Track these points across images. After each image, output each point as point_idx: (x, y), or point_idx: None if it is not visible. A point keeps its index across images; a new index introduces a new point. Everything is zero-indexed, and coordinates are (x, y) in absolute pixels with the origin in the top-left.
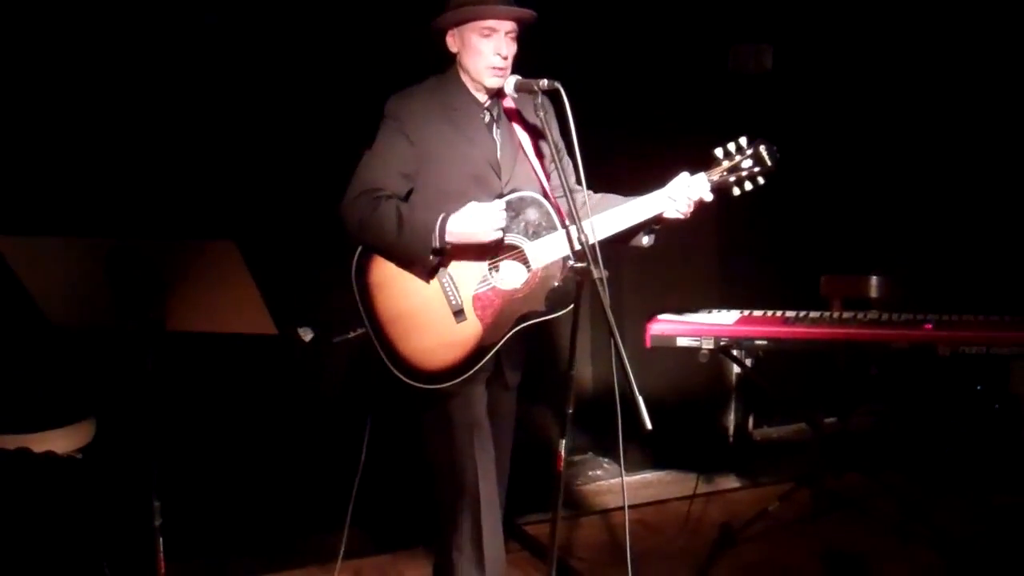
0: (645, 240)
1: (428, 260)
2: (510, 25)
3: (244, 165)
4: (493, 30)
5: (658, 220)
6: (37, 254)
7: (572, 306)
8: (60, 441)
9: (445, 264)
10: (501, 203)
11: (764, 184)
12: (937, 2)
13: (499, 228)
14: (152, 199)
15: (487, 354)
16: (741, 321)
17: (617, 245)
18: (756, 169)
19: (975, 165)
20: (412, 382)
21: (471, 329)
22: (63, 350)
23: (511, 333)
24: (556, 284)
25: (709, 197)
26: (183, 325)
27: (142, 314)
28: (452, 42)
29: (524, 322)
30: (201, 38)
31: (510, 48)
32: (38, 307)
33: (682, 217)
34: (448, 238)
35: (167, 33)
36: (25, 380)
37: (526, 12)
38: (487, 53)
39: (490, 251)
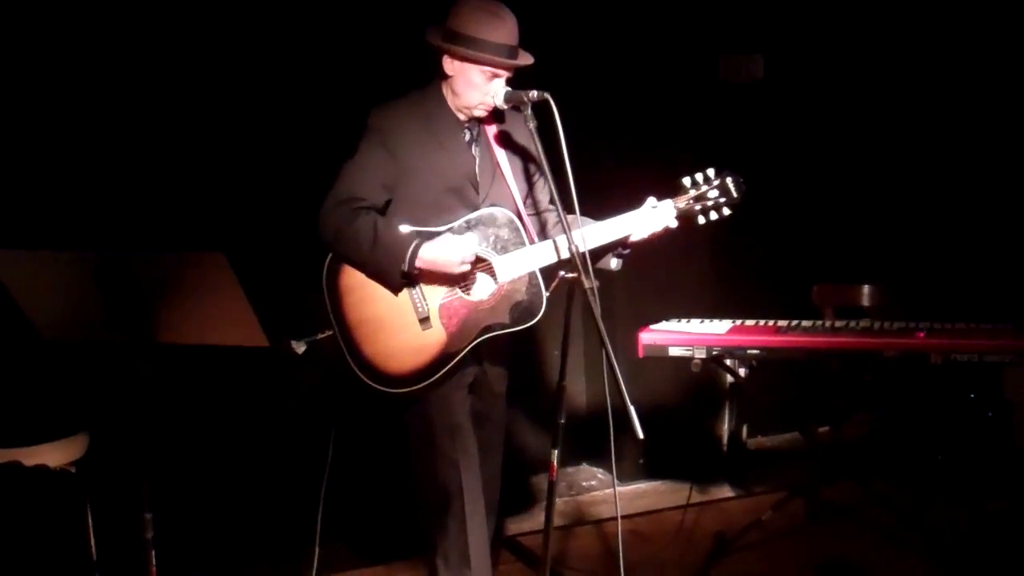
0: (613, 263)
1: (396, 280)
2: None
3: (236, 177)
4: (499, 75)
5: (626, 244)
6: (28, 267)
7: (536, 319)
8: (53, 455)
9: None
10: (475, 238)
11: (729, 215)
12: (927, 13)
13: (468, 263)
14: (142, 212)
15: (450, 361)
16: (733, 330)
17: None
18: (722, 200)
19: (966, 173)
20: (375, 385)
21: (436, 336)
22: (55, 364)
23: (475, 342)
24: (521, 298)
25: (674, 224)
26: (174, 338)
27: (132, 327)
28: (448, 66)
29: (488, 333)
30: (190, 51)
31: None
32: (29, 321)
33: (646, 239)
34: (418, 263)
35: (157, 47)
36: (17, 394)
37: (530, 59)
38: (485, 92)
39: (457, 279)
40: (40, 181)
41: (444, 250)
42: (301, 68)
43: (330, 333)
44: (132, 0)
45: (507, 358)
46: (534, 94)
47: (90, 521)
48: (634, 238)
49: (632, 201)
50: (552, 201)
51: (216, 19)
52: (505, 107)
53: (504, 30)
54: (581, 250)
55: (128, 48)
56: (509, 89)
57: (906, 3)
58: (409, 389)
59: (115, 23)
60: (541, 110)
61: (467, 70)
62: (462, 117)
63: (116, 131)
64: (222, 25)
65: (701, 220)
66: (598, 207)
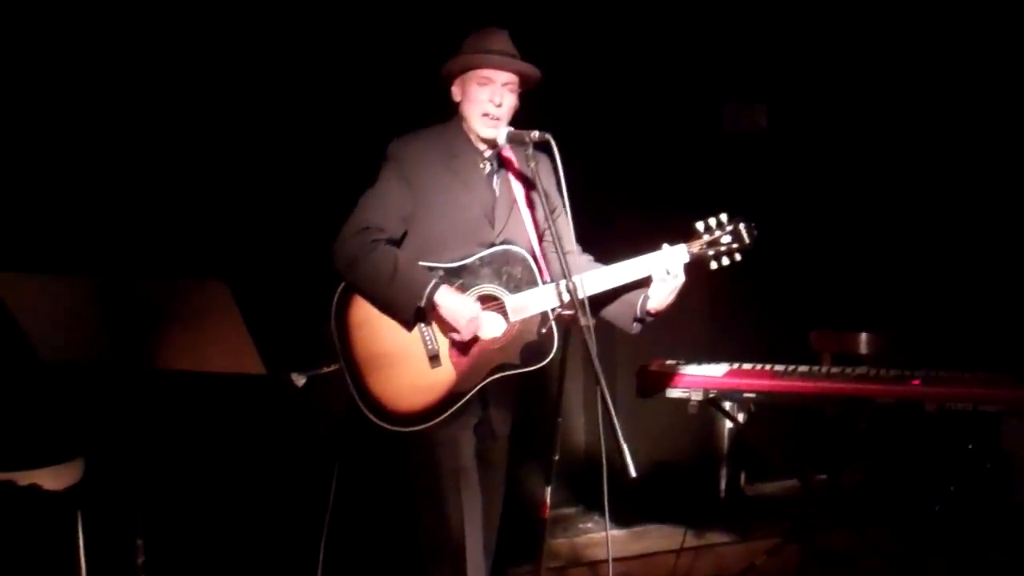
0: (634, 327)
1: (409, 316)
2: (507, 76)
3: (240, 206)
4: (490, 80)
5: (648, 312)
6: (31, 290)
7: (547, 360)
8: (49, 480)
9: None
10: (491, 317)
11: (740, 260)
12: (926, 67)
13: (473, 329)
14: (145, 238)
15: (459, 401)
16: (730, 373)
17: (606, 325)
18: (734, 245)
19: (966, 224)
20: (381, 422)
21: (445, 375)
22: (53, 388)
23: (485, 382)
24: (533, 338)
25: (682, 277)
26: (172, 364)
27: (132, 352)
28: (456, 91)
29: (498, 372)
30: (200, 77)
31: (506, 99)
32: (29, 342)
33: (668, 304)
34: (435, 303)
35: (169, 71)
36: (14, 416)
37: (525, 66)
38: (482, 101)
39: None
40: (46, 205)
41: (460, 309)
42: (313, 96)
43: (335, 367)
44: (138, 20)
45: (513, 401)
46: (535, 134)
47: (81, 544)
48: (653, 304)
49: (634, 248)
50: (557, 241)
51: (228, 42)
52: (507, 146)
53: (494, 39)
54: (593, 288)
55: (137, 73)
56: (511, 129)
57: (906, 57)
58: (416, 428)
59: (125, 44)
60: (545, 152)
61: (467, 85)
62: (482, 147)
63: (123, 155)
64: (234, 49)
65: (713, 265)
66: (601, 253)
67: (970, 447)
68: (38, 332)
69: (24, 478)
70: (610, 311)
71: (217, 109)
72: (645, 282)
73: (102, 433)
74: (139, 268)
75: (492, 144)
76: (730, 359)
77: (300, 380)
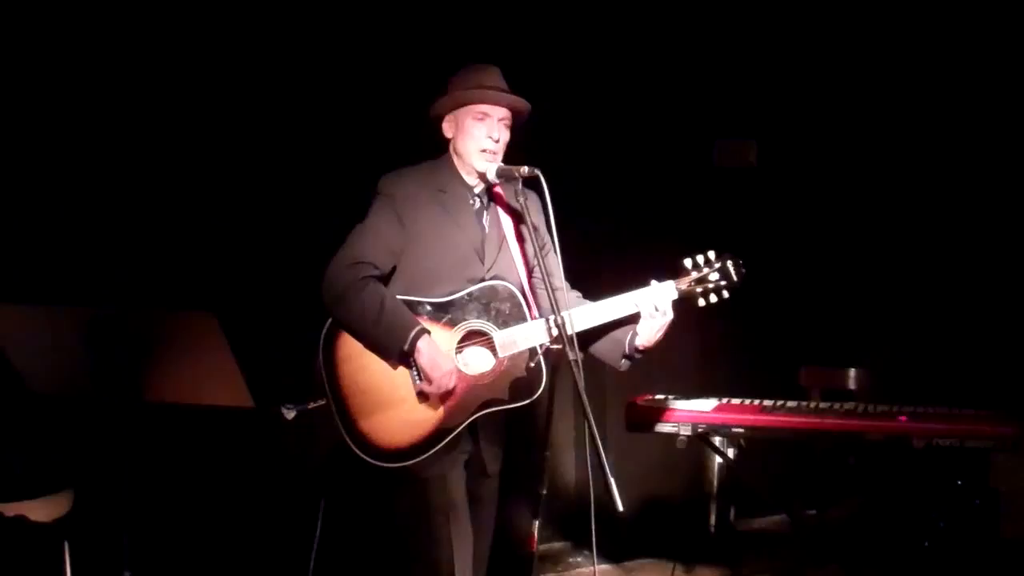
0: (623, 364)
1: (394, 357)
2: (504, 112)
3: (231, 238)
4: (487, 115)
5: (637, 349)
6: (20, 320)
7: (535, 396)
8: (37, 512)
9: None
10: (479, 352)
11: (728, 298)
12: (914, 107)
13: (446, 388)
14: (135, 269)
15: (446, 436)
16: (719, 408)
17: (595, 361)
18: (722, 283)
19: (957, 261)
20: (368, 458)
21: (433, 411)
22: (41, 418)
23: (472, 418)
24: (521, 374)
25: (671, 314)
26: (160, 396)
27: (120, 384)
28: (448, 127)
29: (486, 408)
30: (193, 106)
31: (502, 134)
32: (17, 374)
33: (656, 340)
34: (417, 347)
35: (162, 99)
36: (3, 449)
37: (520, 101)
38: (479, 136)
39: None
40: (36, 235)
41: (439, 364)
42: (305, 131)
43: (323, 402)
44: (134, 46)
45: (502, 437)
46: (525, 170)
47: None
48: (641, 341)
49: (624, 283)
50: (547, 276)
51: (221, 74)
52: (497, 182)
53: (487, 74)
54: (581, 324)
55: (131, 103)
56: (501, 164)
57: (894, 97)
58: (404, 464)
59: (119, 71)
60: (534, 187)
61: (461, 121)
62: (472, 182)
63: (115, 186)
64: (228, 82)
65: (701, 302)
66: (590, 288)
67: (959, 483)
68: (27, 363)
69: (11, 509)
70: (599, 348)
71: (210, 143)
72: (633, 318)
73: (93, 464)
74: (128, 300)
75: (482, 180)
76: (719, 395)
77: (290, 414)
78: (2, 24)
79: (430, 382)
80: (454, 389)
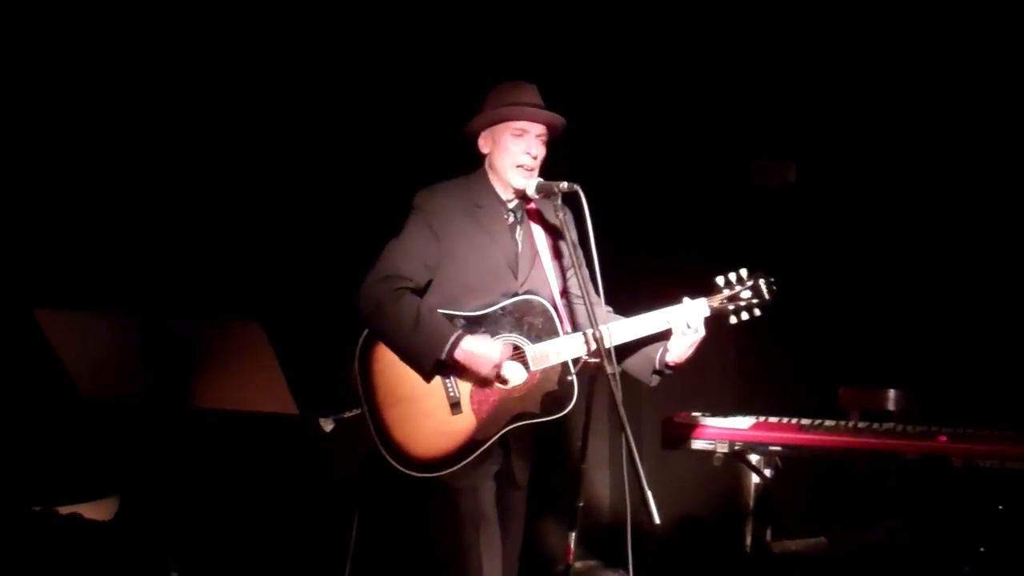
0: (653, 379)
1: (429, 367)
2: (541, 128)
3: (278, 249)
4: (525, 131)
5: (667, 365)
6: (74, 327)
7: (567, 411)
8: (85, 515)
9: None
10: (508, 350)
11: (760, 316)
12: (956, 126)
13: (498, 370)
14: (185, 278)
15: (478, 448)
16: (756, 427)
17: (627, 376)
18: (754, 301)
19: (998, 281)
20: (401, 467)
21: (466, 422)
22: (93, 425)
23: (504, 431)
24: (553, 388)
25: (702, 331)
26: (207, 402)
27: (170, 390)
28: (484, 143)
29: (518, 421)
30: (240, 119)
31: (539, 150)
32: (70, 379)
33: (687, 357)
34: (457, 354)
35: (208, 115)
36: (55, 453)
37: (557, 117)
38: (517, 152)
39: (487, 380)
40: (89, 244)
41: (484, 347)
42: (349, 146)
43: (358, 412)
44: (179, 64)
45: (532, 450)
46: (564, 185)
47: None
48: (672, 357)
49: (661, 301)
50: (596, 288)
51: (273, 88)
52: (536, 197)
53: (525, 91)
54: (614, 339)
55: (186, 116)
56: (540, 180)
57: (935, 118)
58: (437, 474)
59: (170, 86)
60: (572, 203)
61: (499, 137)
62: (506, 197)
63: (167, 198)
64: (281, 96)
65: (733, 320)
66: (628, 306)
67: (1000, 507)
68: (80, 369)
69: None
70: (629, 363)
71: (259, 157)
72: (665, 335)
73: (140, 470)
74: (178, 308)
75: (519, 195)
76: (758, 414)
77: (328, 425)
78: (56, 33)
79: (487, 369)
80: (491, 396)
